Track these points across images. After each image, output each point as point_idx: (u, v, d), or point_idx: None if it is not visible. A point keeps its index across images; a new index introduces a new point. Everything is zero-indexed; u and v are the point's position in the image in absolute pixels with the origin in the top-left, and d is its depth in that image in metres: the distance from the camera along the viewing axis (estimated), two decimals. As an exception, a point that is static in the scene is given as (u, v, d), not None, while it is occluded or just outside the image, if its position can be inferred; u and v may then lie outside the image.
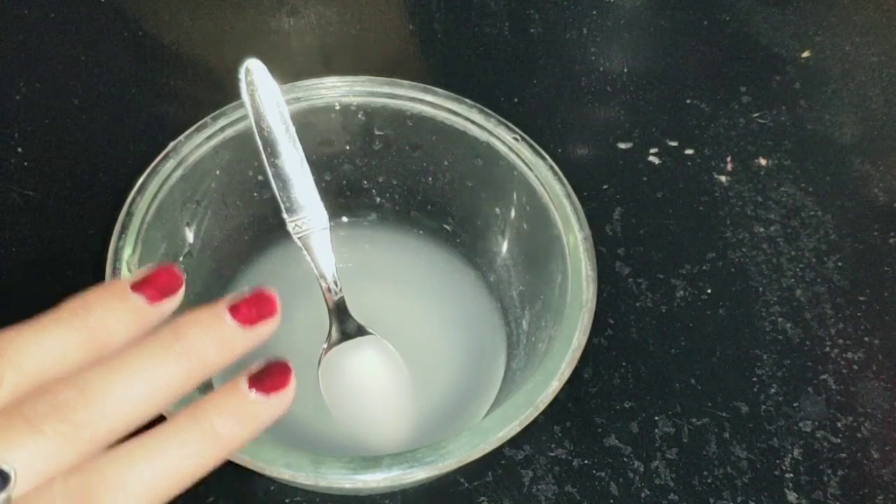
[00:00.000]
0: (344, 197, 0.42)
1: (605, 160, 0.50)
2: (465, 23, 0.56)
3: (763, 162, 0.50)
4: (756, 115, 0.52)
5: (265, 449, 0.29)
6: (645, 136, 0.51)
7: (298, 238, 0.35)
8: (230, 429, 0.25)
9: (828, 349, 0.43)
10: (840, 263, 0.46)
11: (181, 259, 0.37)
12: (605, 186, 0.48)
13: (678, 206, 0.48)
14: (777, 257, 0.46)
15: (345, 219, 0.43)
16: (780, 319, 0.44)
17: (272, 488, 0.38)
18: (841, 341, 0.44)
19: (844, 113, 0.53)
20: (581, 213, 0.35)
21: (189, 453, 0.24)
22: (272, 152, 0.34)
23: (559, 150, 0.49)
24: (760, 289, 0.45)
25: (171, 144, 0.37)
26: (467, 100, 0.38)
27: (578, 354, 0.32)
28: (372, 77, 0.39)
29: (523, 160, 0.37)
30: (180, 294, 0.26)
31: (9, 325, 0.23)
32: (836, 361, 0.43)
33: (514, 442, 0.32)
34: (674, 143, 0.50)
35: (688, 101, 0.53)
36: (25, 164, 0.48)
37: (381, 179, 0.41)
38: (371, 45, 0.55)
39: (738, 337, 0.43)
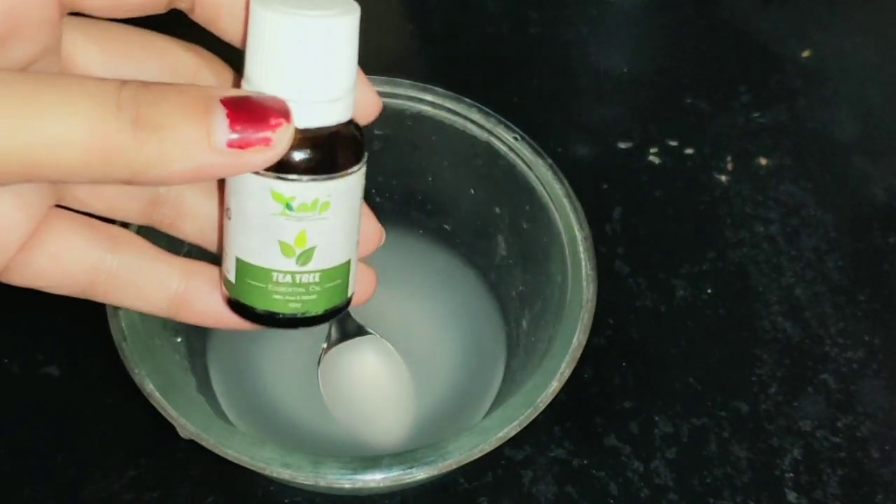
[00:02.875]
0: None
1: (604, 160, 0.50)
2: (465, 22, 0.56)
3: (763, 161, 0.50)
4: (756, 114, 0.52)
5: (265, 449, 0.29)
6: (645, 135, 0.51)
7: None
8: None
9: (828, 349, 0.43)
10: (840, 263, 0.46)
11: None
12: (604, 186, 0.48)
13: (678, 205, 0.48)
14: (777, 257, 0.46)
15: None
16: (780, 319, 0.44)
17: (272, 488, 0.38)
18: (841, 341, 0.43)
19: (844, 112, 0.53)
20: (581, 212, 0.35)
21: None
22: None
23: (559, 150, 0.49)
24: (760, 288, 0.45)
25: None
26: (466, 99, 0.38)
27: (578, 354, 0.32)
28: (371, 76, 0.39)
29: (523, 160, 0.37)
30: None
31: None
32: (836, 361, 0.43)
33: (514, 442, 0.32)
34: (674, 143, 0.50)
35: (688, 101, 0.53)
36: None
37: (380, 179, 0.41)
38: (370, 44, 0.55)
39: (738, 337, 0.43)
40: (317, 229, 0.24)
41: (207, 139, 0.21)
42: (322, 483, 0.29)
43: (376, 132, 0.40)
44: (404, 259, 0.42)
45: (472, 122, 0.37)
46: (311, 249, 0.24)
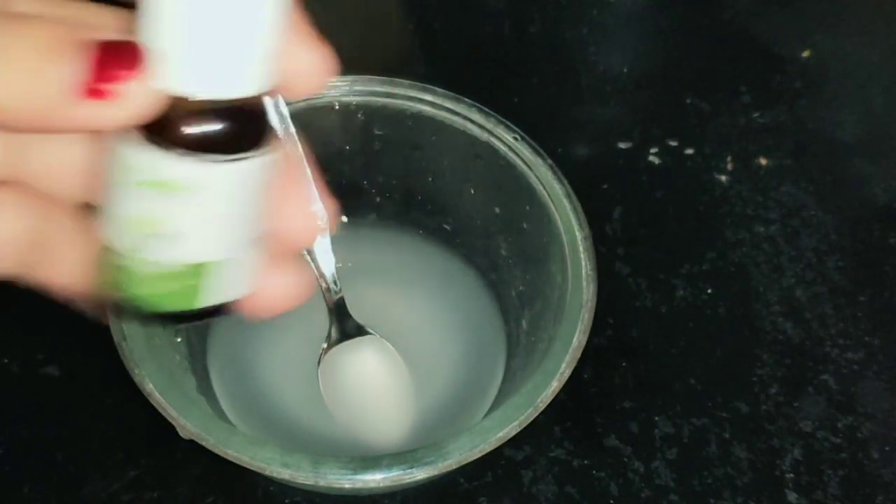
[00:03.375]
0: (343, 197, 0.42)
1: (605, 160, 0.50)
2: (465, 22, 0.56)
3: (763, 161, 0.50)
4: (756, 114, 0.52)
5: (265, 449, 0.29)
6: (645, 135, 0.51)
7: None
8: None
9: (828, 349, 0.43)
10: (840, 263, 0.46)
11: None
12: (605, 186, 0.48)
13: (678, 205, 0.48)
14: (777, 257, 0.46)
15: (344, 219, 0.43)
16: (780, 319, 0.44)
17: (272, 488, 0.38)
18: (841, 341, 0.43)
19: (845, 112, 0.53)
20: (581, 212, 0.35)
21: None
22: None
23: (559, 150, 0.49)
24: (760, 288, 0.45)
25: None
26: (467, 99, 0.38)
27: (578, 354, 0.32)
28: (371, 76, 0.39)
29: (523, 160, 0.37)
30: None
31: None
32: (836, 361, 0.43)
33: (514, 442, 0.32)
34: (674, 143, 0.50)
35: (688, 101, 0.53)
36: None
37: (380, 179, 0.41)
38: (370, 44, 0.55)
39: (738, 337, 0.43)
40: (169, 212, 0.20)
41: (53, 84, 0.18)
42: (322, 483, 0.29)
43: (376, 132, 0.40)
44: (404, 259, 0.42)
45: (472, 122, 0.37)
46: (152, 235, 0.20)
